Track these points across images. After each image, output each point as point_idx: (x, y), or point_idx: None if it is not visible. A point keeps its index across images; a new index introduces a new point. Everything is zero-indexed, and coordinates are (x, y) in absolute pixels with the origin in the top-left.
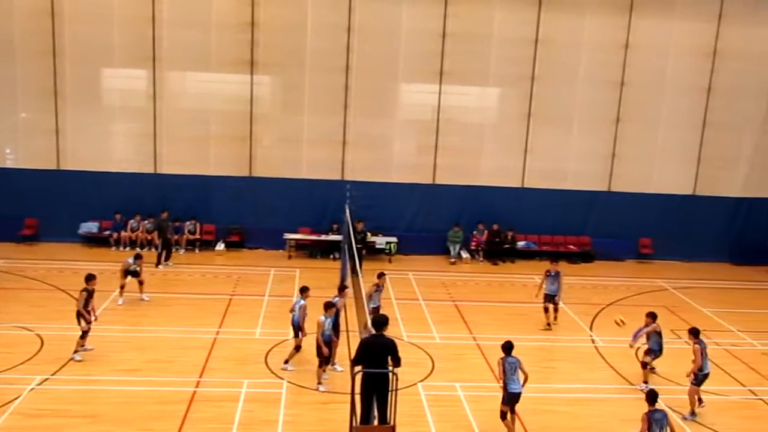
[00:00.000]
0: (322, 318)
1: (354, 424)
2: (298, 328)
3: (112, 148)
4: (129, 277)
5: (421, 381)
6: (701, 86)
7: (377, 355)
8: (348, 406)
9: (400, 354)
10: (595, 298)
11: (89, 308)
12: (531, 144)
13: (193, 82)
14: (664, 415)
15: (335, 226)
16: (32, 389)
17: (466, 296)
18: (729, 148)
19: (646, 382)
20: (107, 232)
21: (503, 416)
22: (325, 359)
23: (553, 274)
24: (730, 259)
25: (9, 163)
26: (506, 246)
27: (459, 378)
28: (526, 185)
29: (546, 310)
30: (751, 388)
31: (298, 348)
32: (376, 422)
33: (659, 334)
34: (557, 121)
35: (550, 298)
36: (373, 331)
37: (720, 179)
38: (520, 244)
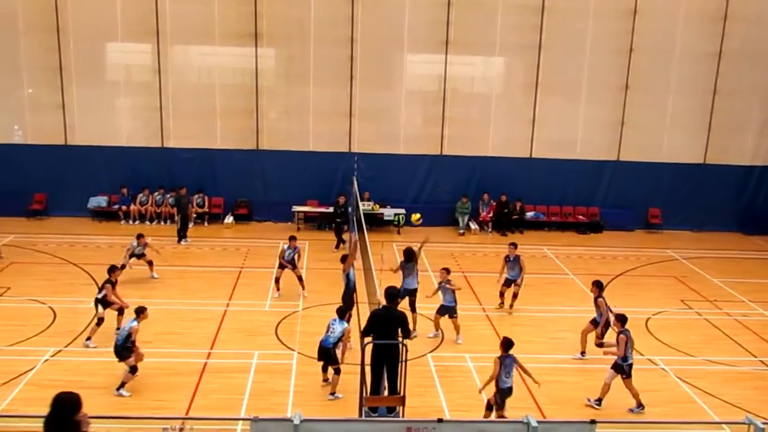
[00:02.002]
0: (348, 326)
1: (364, 394)
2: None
3: (118, 123)
4: (133, 259)
5: (431, 352)
6: (711, 52)
7: (387, 327)
8: (358, 377)
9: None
10: (603, 269)
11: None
12: (538, 114)
13: (198, 56)
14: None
15: (342, 199)
16: (46, 361)
17: (475, 267)
18: (739, 115)
19: (584, 353)
20: (116, 206)
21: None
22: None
23: (512, 259)
24: (740, 229)
25: (17, 140)
26: (515, 217)
27: (468, 349)
28: (534, 155)
29: (502, 294)
30: (762, 359)
31: None
32: (386, 393)
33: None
34: (565, 89)
35: (510, 282)
36: (384, 303)
37: (730, 147)
38: (529, 214)
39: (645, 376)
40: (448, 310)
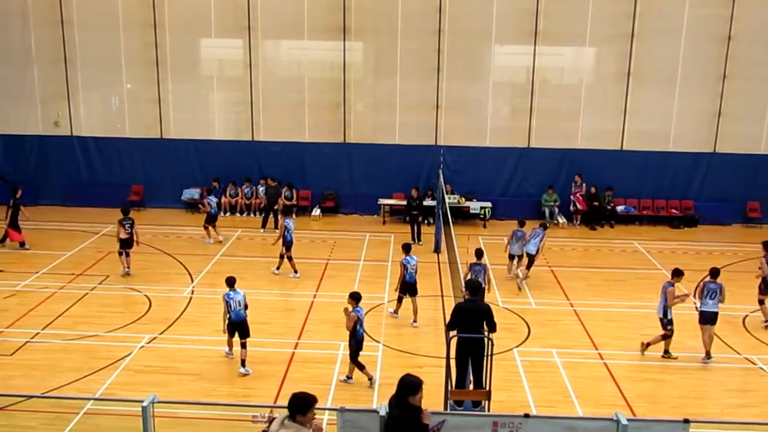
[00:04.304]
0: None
1: (449, 388)
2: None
3: (211, 117)
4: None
5: (517, 346)
6: None
7: (472, 320)
8: (443, 370)
9: (495, 319)
10: (697, 264)
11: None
12: (630, 105)
13: (287, 50)
14: None
15: (429, 192)
16: (142, 347)
17: (563, 262)
18: None
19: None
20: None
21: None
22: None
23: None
24: None
25: (116, 133)
26: (609, 205)
27: (555, 344)
28: (625, 148)
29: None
30: None
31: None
32: (471, 387)
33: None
34: (658, 79)
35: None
36: (468, 296)
37: None
38: (620, 208)
39: (743, 375)
40: None
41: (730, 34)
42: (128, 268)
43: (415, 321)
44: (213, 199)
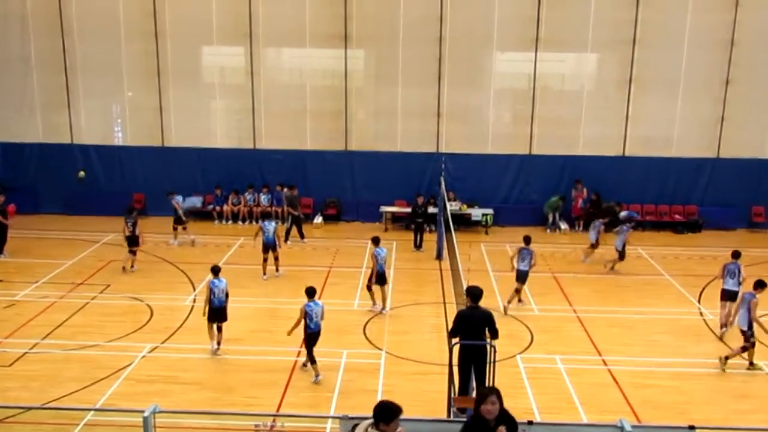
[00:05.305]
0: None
1: (452, 395)
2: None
3: (212, 125)
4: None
5: (520, 353)
6: None
7: (474, 327)
8: (446, 378)
9: (498, 326)
10: (702, 270)
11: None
12: (632, 111)
13: (289, 58)
14: None
15: (431, 199)
16: (143, 357)
17: (565, 268)
18: None
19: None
20: (210, 207)
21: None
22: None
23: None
24: None
25: (117, 141)
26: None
27: (558, 350)
28: (627, 154)
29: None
30: None
31: None
32: (474, 393)
33: None
34: (661, 85)
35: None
36: (470, 303)
37: None
38: (622, 214)
39: (748, 380)
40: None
41: (732, 39)
42: (133, 266)
43: (384, 308)
44: (179, 199)
